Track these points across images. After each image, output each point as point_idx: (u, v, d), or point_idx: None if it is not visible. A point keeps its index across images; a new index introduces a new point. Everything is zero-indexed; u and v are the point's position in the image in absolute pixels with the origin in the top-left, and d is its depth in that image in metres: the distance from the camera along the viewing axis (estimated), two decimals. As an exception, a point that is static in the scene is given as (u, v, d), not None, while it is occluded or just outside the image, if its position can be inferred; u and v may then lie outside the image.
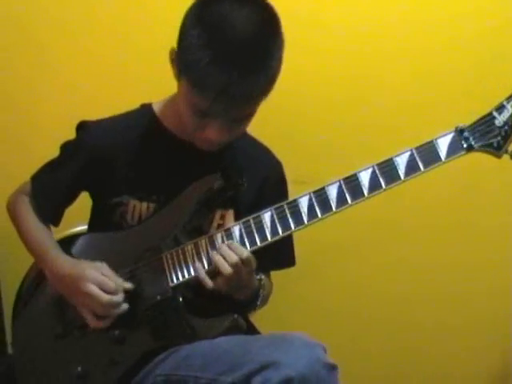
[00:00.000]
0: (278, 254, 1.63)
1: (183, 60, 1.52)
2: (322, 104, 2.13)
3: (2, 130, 2.18)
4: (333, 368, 1.44)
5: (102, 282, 1.56)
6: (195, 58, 1.47)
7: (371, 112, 2.13)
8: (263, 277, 1.68)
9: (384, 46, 2.10)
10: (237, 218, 1.63)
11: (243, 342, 1.47)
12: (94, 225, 1.76)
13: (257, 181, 1.73)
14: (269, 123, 1.97)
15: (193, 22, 1.51)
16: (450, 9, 2.10)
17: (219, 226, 1.67)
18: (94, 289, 1.55)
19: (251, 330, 1.72)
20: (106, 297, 1.54)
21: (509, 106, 1.52)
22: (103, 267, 1.59)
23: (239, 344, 1.46)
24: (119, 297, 1.56)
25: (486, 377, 2.24)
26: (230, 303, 1.60)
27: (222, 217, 1.69)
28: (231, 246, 1.53)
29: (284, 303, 2.11)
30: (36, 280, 1.70)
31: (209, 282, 1.53)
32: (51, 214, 1.72)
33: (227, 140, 1.60)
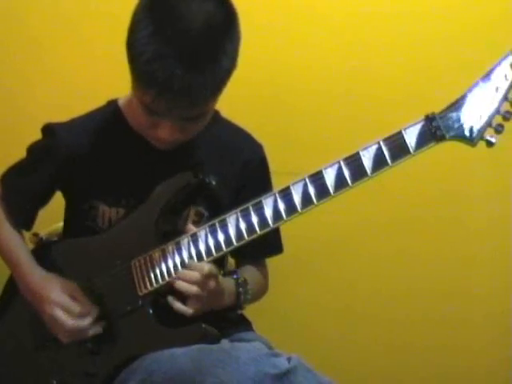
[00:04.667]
0: (265, 242, 1.55)
1: (128, 54, 1.43)
2: (315, 96, 2.10)
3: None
4: (284, 374, 1.38)
5: (67, 307, 1.53)
6: (139, 52, 1.40)
7: (364, 104, 2.10)
8: (240, 275, 1.62)
9: (378, 40, 2.07)
10: (217, 212, 1.56)
11: (197, 357, 1.42)
12: (67, 228, 1.71)
13: (237, 167, 1.65)
14: (262, 115, 2.01)
15: (141, 14, 1.43)
16: (446, 3, 2.05)
17: (194, 223, 1.60)
18: (58, 313, 1.52)
19: (242, 322, 1.68)
20: (70, 322, 1.52)
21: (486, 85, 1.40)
22: (72, 288, 1.56)
23: (194, 359, 1.41)
24: (86, 321, 1.53)
25: (485, 375, 2.20)
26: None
27: (198, 214, 1.63)
28: (190, 265, 1.48)
29: (279, 300, 2.09)
30: (12, 288, 1.66)
31: (187, 310, 1.48)
32: (22, 220, 1.68)
33: (183, 139, 1.52)
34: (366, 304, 2.18)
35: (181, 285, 1.48)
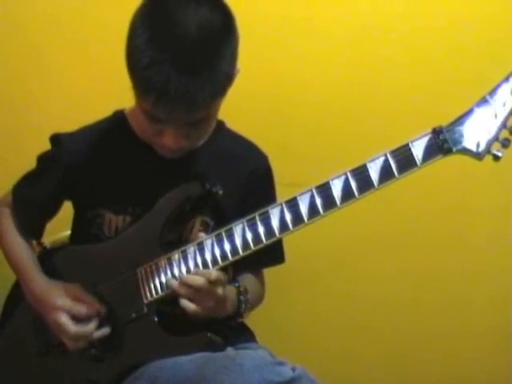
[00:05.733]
0: (267, 252, 1.54)
1: (127, 62, 1.45)
2: (319, 107, 2.10)
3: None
4: (288, 383, 1.39)
5: (71, 310, 1.53)
6: (136, 59, 1.41)
7: (368, 116, 2.10)
8: (241, 282, 1.63)
9: (384, 53, 2.07)
10: (222, 222, 1.56)
11: (202, 364, 1.42)
12: (74, 236, 1.73)
13: (242, 177, 1.66)
14: (265, 127, 2.00)
15: (138, 22, 1.45)
16: (449, 14, 2.05)
17: (200, 232, 1.60)
18: (63, 319, 1.52)
19: (245, 332, 1.69)
20: (73, 329, 1.52)
21: (492, 101, 1.41)
22: (75, 290, 1.56)
23: (198, 366, 1.42)
24: (90, 325, 1.53)
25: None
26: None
27: (203, 223, 1.64)
28: (196, 272, 1.48)
29: (281, 312, 2.11)
30: (18, 294, 1.67)
31: (191, 308, 1.48)
32: (32, 230, 1.70)
33: (189, 146, 1.53)
34: (367, 315, 2.18)
35: (181, 290, 1.48)
